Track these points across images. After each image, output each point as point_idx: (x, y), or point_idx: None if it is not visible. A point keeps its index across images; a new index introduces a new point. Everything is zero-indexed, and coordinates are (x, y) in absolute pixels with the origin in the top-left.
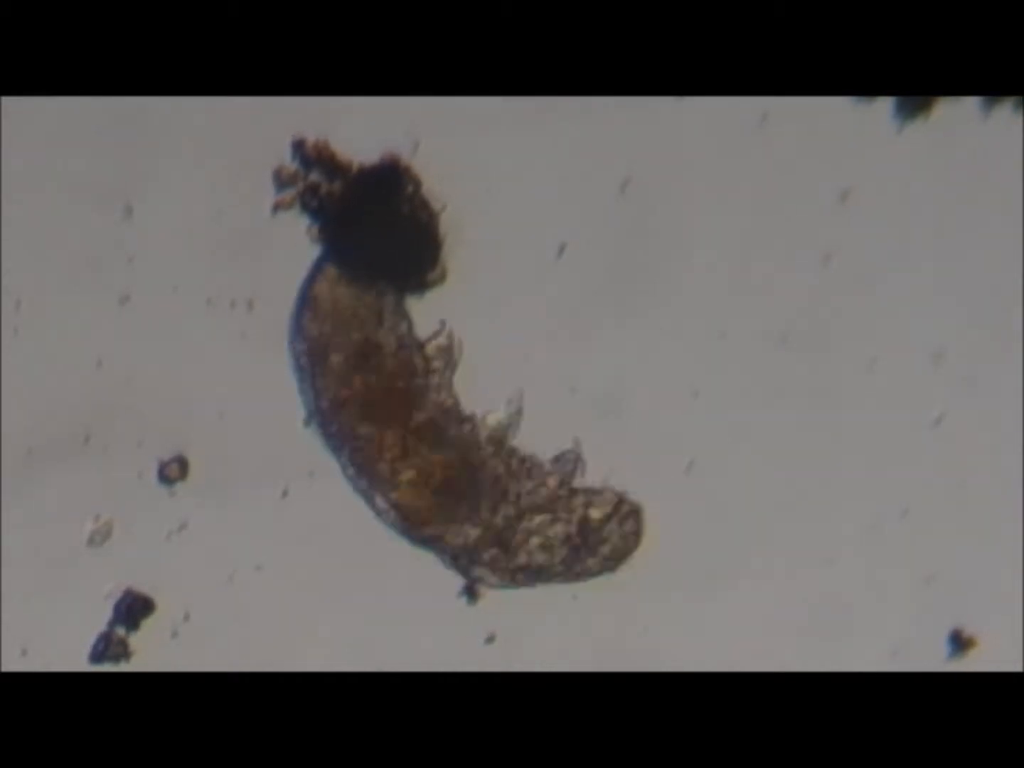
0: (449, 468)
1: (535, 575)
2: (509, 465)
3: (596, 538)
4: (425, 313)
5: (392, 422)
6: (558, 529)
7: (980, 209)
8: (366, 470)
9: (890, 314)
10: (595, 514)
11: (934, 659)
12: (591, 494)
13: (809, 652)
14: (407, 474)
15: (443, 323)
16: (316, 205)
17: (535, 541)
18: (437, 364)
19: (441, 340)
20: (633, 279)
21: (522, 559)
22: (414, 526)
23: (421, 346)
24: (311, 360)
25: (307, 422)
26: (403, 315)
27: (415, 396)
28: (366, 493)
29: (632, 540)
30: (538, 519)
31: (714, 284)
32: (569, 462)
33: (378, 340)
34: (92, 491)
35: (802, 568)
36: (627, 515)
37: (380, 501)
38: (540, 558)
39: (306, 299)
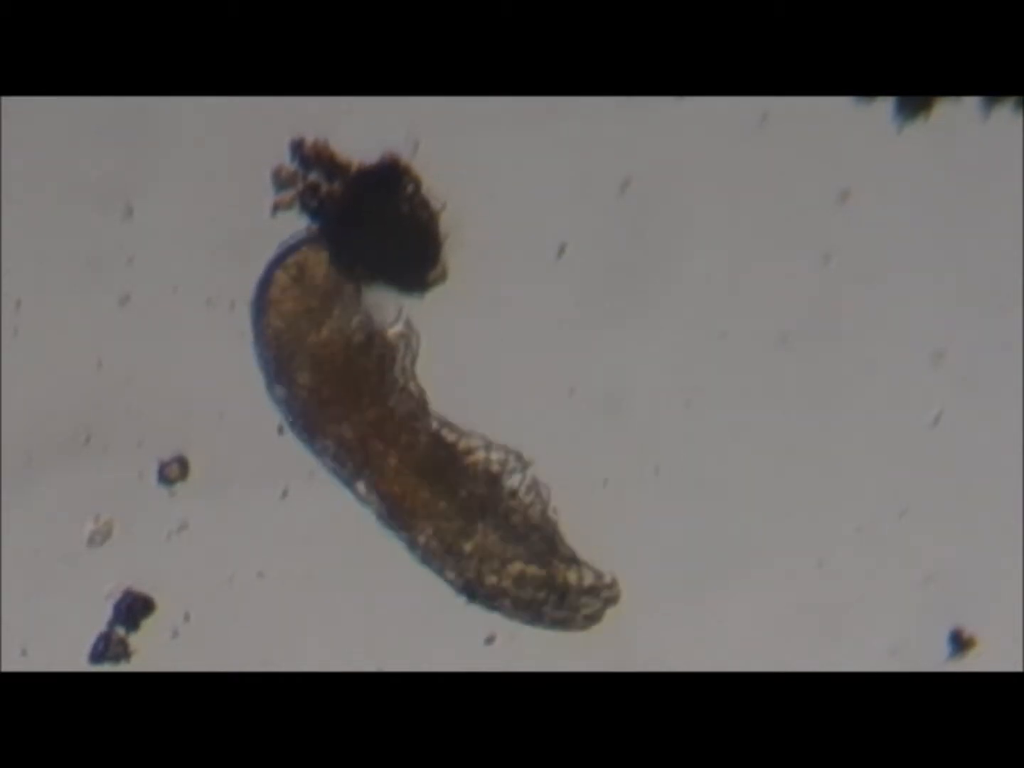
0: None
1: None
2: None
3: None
4: (425, 313)
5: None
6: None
7: (980, 209)
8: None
9: (890, 314)
10: (574, 580)
11: (934, 659)
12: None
13: (809, 652)
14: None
15: (399, 311)
16: (315, 205)
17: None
18: (399, 352)
19: (399, 328)
20: (633, 279)
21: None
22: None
23: (381, 334)
24: (278, 359)
25: (281, 430)
26: (359, 307)
27: (383, 385)
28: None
29: (585, 623)
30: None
31: (714, 284)
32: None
33: (342, 333)
34: (92, 491)
35: (802, 568)
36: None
37: (363, 488)
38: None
39: (264, 301)
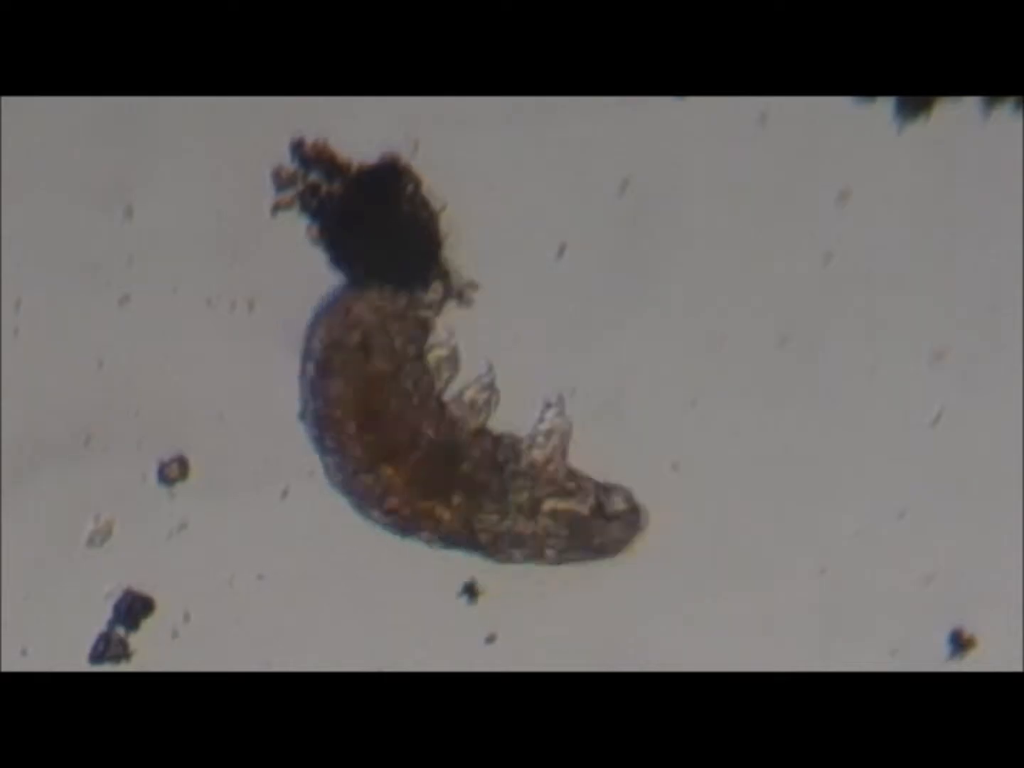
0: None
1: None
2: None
3: (600, 527)
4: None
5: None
6: (570, 505)
7: (980, 209)
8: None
9: (890, 314)
10: (610, 506)
11: (934, 659)
12: (607, 488)
13: (809, 652)
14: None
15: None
16: (316, 205)
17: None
18: (444, 374)
19: (443, 351)
20: (633, 279)
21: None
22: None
23: (421, 356)
24: (318, 373)
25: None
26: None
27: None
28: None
29: (618, 546)
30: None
31: (714, 284)
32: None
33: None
34: (92, 491)
35: (802, 568)
36: (633, 521)
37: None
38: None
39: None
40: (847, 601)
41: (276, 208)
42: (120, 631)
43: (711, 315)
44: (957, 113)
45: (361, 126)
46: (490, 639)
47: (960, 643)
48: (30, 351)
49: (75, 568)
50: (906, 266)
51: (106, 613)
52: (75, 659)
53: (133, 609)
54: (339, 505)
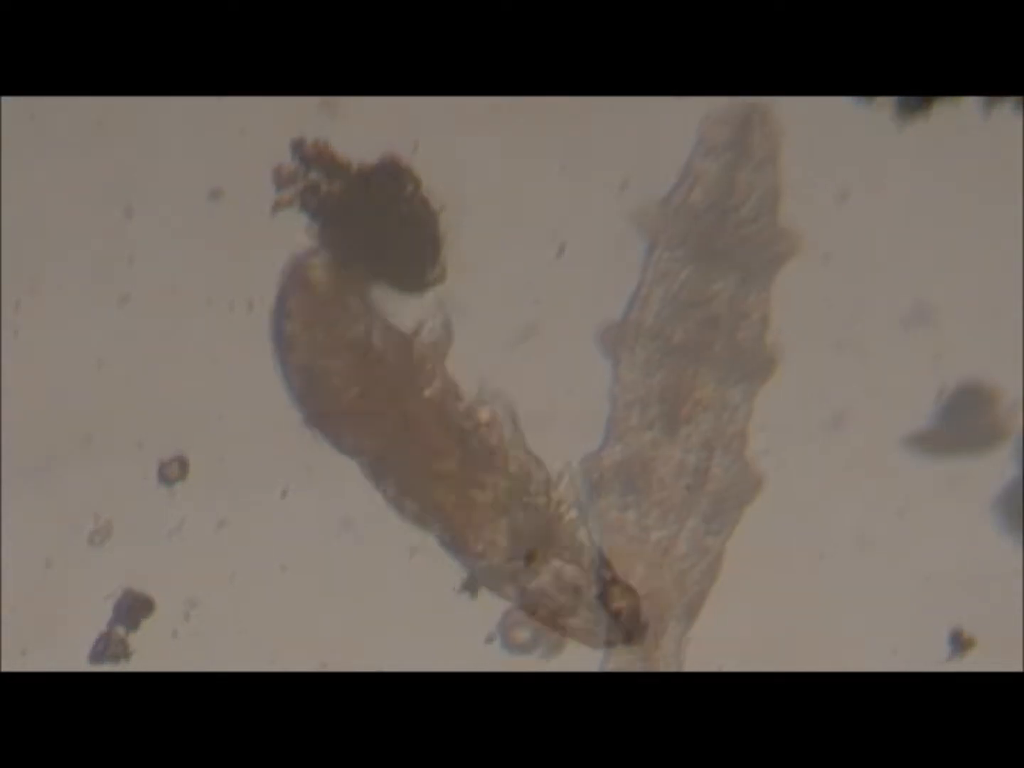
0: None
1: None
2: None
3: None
4: (424, 313)
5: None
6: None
7: (980, 209)
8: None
9: (890, 314)
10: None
11: (934, 659)
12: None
13: (808, 651)
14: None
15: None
16: (316, 204)
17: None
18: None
19: (428, 337)
20: (632, 279)
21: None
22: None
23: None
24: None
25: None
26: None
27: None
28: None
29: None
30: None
31: (714, 285)
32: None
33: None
34: (92, 491)
35: (801, 567)
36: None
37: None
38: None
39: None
40: (847, 601)
41: (276, 208)
42: (120, 631)
43: (710, 315)
44: (957, 113)
45: (361, 126)
46: (490, 639)
47: (960, 643)
48: (30, 351)
49: (75, 568)
50: (906, 266)
51: (106, 613)
52: (75, 659)
53: (133, 609)
54: (339, 505)
